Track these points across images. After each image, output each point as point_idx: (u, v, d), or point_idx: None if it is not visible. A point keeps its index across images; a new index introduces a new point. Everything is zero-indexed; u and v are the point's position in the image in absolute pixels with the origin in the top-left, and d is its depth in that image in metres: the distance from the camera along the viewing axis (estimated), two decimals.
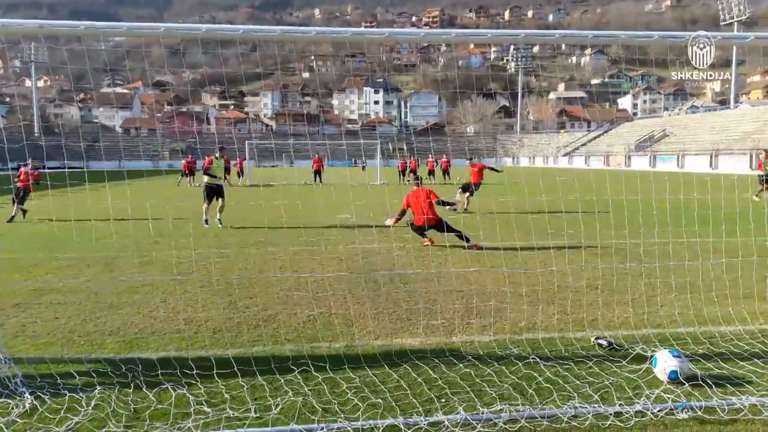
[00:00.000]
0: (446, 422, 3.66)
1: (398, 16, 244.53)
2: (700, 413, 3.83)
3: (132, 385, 4.29)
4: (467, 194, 17.69)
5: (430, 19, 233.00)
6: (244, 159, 38.70)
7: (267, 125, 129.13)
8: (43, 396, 4.09)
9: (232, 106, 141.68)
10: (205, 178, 14.45)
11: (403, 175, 35.01)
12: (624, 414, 3.80)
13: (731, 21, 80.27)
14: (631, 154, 68.53)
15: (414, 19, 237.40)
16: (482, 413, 3.81)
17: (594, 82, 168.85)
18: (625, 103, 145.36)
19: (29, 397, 4.04)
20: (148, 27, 4.67)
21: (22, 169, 16.77)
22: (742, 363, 4.74)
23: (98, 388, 4.23)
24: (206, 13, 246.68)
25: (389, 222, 11.60)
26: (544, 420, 3.73)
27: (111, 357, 4.95)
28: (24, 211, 16.08)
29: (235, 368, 4.52)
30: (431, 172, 35.97)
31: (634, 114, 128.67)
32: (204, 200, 14.41)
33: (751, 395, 4.10)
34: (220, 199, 14.38)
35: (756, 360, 4.80)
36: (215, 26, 4.89)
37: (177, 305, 6.63)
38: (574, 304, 6.56)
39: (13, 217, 15.60)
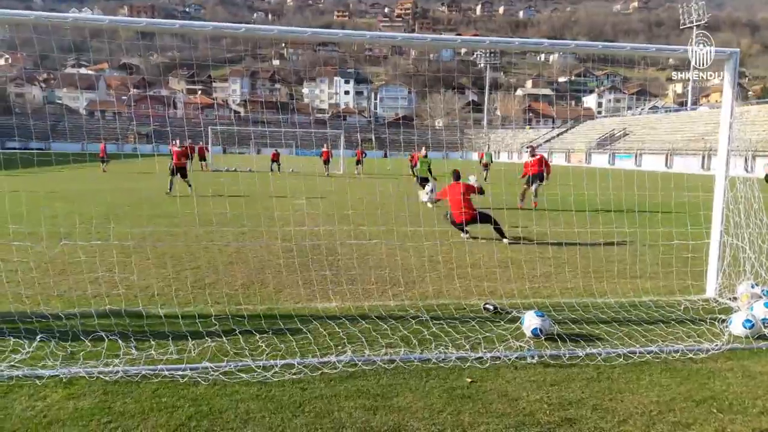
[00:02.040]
0: (334, 360, 4.43)
1: (371, 7, 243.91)
2: (546, 359, 4.68)
3: (70, 334, 4.94)
4: (532, 186, 16.26)
5: (402, 11, 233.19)
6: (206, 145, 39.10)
7: (236, 112, 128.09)
8: None
9: (200, 92, 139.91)
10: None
11: (359, 164, 36.27)
12: (484, 358, 4.63)
13: (690, 25, 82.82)
14: (591, 151, 70.56)
15: (387, 10, 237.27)
16: (366, 355, 4.58)
17: (561, 80, 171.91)
18: (590, 101, 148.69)
19: None
20: (129, 21, 5.51)
21: (173, 149, 19.95)
22: (601, 325, 5.63)
23: (40, 335, 4.86)
24: None
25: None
26: (415, 361, 4.53)
27: (55, 312, 5.57)
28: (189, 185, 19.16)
29: (164, 322, 5.20)
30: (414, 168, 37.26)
31: (599, 112, 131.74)
32: None
33: (594, 348, 4.97)
34: None
35: (614, 323, 5.70)
36: (190, 23, 5.83)
37: (122, 274, 7.25)
38: (481, 279, 7.41)
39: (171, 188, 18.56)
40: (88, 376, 4.12)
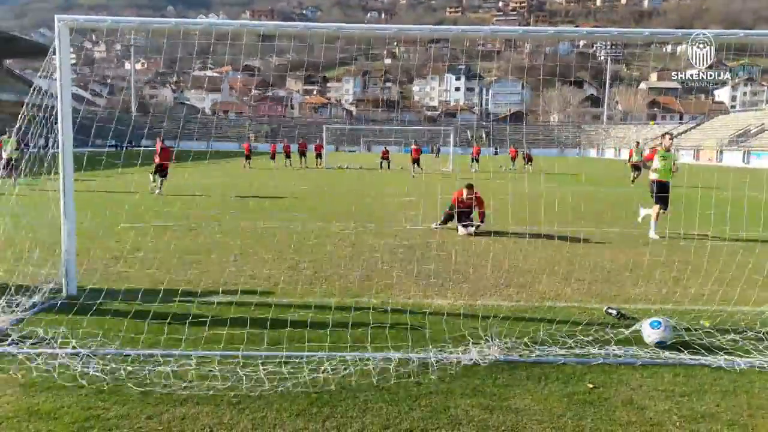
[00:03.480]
0: (449, 357, 4.44)
1: (484, 2, 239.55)
2: (675, 368, 4.39)
3: (201, 319, 5.33)
4: None
5: (517, 4, 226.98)
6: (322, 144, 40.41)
7: (348, 111, 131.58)
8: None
9: (315, 92, 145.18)
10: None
11: (475, 161, 35.59)
12: (606, 364, 4.43)
13: None
14: (723, 149, 64.75)
15: (500, 4, 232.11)
16: (482, 354, 4.55)
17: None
18: (722, 95, 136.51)
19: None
20: (255, 24, 6.07)
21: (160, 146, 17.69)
22: (737, 336, 5.13)
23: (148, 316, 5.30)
24: None
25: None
26: (533, 363, 4.45)
27: (187, 298, 6.03)
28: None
29: (286, 311, 5.46)
30: (513, 159, 36.71)
31: (732, 107, 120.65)
32: None
33: (729, 359, 4.57)
34: None
35: (752, 334, 5.18)
36: (311, 24, 6.42)
37: (247, 264, 7.71)
38: (602, 281, 7.07)
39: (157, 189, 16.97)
40: (216, 359, 4.43)
